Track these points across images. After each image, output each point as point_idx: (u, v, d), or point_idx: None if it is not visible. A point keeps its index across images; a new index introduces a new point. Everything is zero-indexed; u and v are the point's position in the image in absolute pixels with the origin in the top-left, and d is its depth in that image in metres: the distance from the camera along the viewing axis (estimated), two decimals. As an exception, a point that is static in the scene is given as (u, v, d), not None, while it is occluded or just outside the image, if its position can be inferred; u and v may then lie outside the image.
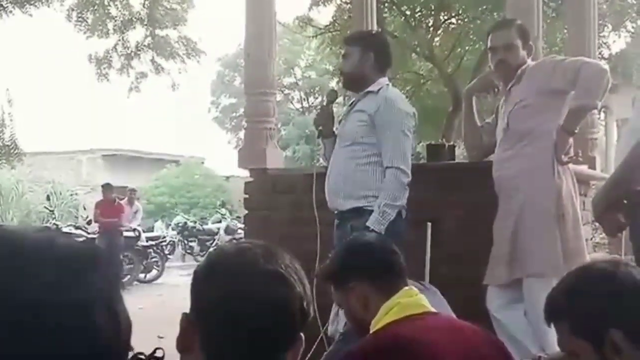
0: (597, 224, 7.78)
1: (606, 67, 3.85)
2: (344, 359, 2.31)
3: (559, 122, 3.92)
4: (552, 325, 1.76)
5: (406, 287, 2.41)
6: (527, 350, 3.76)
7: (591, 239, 6.22)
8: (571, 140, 3.92)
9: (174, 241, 17.43)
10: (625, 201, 2.77)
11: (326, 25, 15.85)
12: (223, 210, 19.88)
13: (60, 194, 20.01)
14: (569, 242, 3.85)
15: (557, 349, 1.82)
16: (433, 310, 2.35)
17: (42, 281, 0.82)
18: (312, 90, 32.59)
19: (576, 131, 3.92)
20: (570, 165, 4.01)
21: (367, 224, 3.85)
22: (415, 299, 2.36)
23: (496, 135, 4.24)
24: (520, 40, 4.10)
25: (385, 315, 2.32)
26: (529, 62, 4.11)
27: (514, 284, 3.99)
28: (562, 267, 3.72)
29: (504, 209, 4.03)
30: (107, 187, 13.53)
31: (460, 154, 9.25)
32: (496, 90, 4.39)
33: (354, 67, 4.17)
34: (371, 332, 2.32)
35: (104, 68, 17.50)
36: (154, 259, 14.30)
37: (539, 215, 3.89)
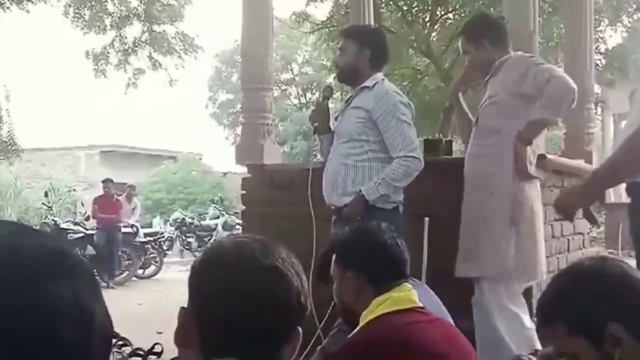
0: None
1: (573, 85, 3.81)
2: (340, 351, 2.36)
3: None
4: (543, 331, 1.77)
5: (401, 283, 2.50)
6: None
7: (588, 233, 6.23)
8: (529, 149, 3.93)
9: (172, 237, 17.43)
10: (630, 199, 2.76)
11: (323, 21, 15.85)
12: (218, 206, 19.89)
13: (58, 190, 19.98)
14: (523, 250, 3.86)
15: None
16: (421, 305, 2.45)
17: (2, 287, 0.80)
18: (309, 86, 32.57)
19: (532, 141, 3.93)
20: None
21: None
22: (407, 294, 2.45)
23: None
24: (471, 45, 4.13)
25: (377, 307, 2.40)
26: (511, 53, 4.09)
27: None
28: (513, 274, 3.75)
29: (466, 204, 4.05)
30: (108, 182, 13.51)
31: (458, 149, 9.27)
32: (476, 84, 4.41)
33: (349, 62, 4.17)
34: (362, 323, 2.41)
35: (101, 64, 17.51)
36: (152, 255, 14.30)
37: (496, 219, 3.90)
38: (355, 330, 2.44)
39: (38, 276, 0.83)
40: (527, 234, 3.92)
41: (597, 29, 13.47)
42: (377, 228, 2.68)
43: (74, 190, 20.76)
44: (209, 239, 17.79)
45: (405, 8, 14.93)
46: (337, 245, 2.66)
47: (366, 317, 2.40)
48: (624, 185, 2.91)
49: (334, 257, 2.60)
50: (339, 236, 2.75)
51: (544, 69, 3.91)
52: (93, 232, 13.09)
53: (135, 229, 13.96)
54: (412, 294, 2.45)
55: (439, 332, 2.37)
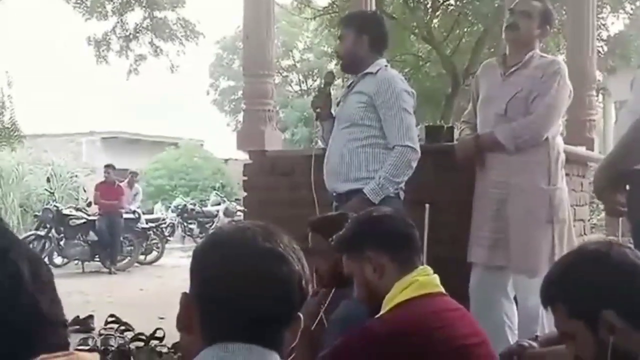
0: (594, 205, 7.80)
1: (544, 133, 3.93)
2: (363, 337, 2.30)
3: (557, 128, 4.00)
4: (549, 309, 1.78)
5: (422, 266, 2.47)
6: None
7: (589, 220, 6.24)
8: (560, 158, 3.99)
9: (173, 223, 17.49)
10: (627, 187, 2.75)
11: (325, 7, 15.82)
12: (219, 192, 19.91)
13: (61, 176, 19.95)
14: (557, 249, 3.89)
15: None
16: (443, 290, 2.44)
17: None
18: (310, 73, 32.42)
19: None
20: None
21: (364, 190, 3.88)
22: (431, 278, 2.43)
23: (482, 110, 4.21)
24: (539, 18, 4.05)
25: (402, 292, 2.35)
26: (537, 50, 4.08)
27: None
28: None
29: (495, 196, 4.04)
30: (109, 168, 13.50)
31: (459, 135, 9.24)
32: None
33: (349, 50, 4.17)
34: (386, 307, 2.35)
35: (103, 50, 17.46)
36: (153, 241, 14.33)
37: (533, 217, 3.91)
38: (378, 315, 2.36)
39: None
40: (561, 234, 3.95)
41: (599, 16, 13.42)
42: (372, 209, 2.73)
43: (76, 176, 20.75)
44: (211, 225, 17.84)
45: (407, -6, 14.88)
46: (342, 244, 2.59)
47: (390, 301, 2.35)
48: None
49: (344, 258, 2.56)
50: (346, 232, 2.63)
51: (549, 93, 3.93)
52: (95, 218, 13.12)
53: (137, 215, 13.99)
54: (435, 278, 2.44)
55: (464, 322, 2.35)
